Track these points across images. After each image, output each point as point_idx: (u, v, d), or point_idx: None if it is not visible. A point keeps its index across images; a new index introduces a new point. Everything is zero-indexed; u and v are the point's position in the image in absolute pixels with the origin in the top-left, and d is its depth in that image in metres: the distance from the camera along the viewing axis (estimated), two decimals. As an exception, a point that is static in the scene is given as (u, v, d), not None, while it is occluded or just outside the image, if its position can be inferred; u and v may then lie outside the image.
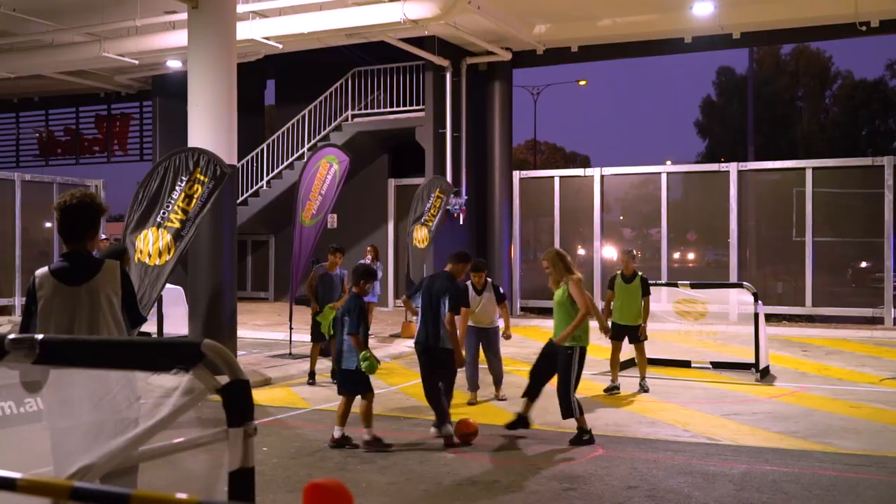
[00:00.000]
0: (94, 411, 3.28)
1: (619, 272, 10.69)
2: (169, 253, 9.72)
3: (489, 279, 10.14)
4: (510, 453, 7.44)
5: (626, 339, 10.65)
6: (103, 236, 15.45)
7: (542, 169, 34.41)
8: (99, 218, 4.40)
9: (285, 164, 20.48)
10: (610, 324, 10.38)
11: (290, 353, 12.77)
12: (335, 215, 20.94)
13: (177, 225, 9.74)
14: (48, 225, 20.37)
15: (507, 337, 10.11)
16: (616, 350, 10.55)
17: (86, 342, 2.86)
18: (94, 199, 4.36)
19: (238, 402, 2.61)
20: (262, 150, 21.04)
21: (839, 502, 5.94)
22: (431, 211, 14.85)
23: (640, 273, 10.64)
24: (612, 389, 10.33)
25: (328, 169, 12.14)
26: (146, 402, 3.48)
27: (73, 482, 1.61)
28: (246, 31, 15.30)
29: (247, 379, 2.64)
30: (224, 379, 2.55)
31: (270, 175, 20.74)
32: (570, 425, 8.54)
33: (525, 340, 15.87)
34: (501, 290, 10.23)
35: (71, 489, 1.59)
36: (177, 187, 9.85)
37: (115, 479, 4.06)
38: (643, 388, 10.42)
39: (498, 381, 10.14)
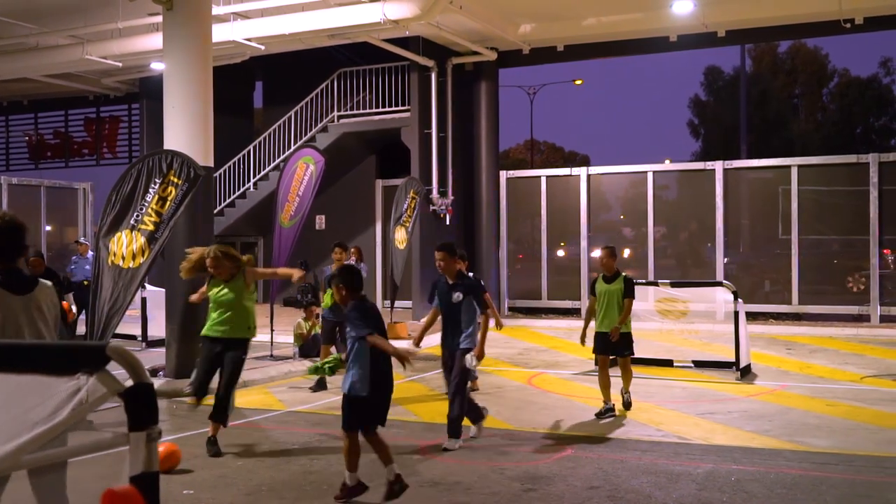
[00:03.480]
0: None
1: (600, 274, 9.31)
2: (143, 255, 9.69)
3: (472, 272, 9.75)
4: (477, 453, 7.41)
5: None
6: (82, 240, 15.43)
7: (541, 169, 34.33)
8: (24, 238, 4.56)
9: (272, 165, 20.46)
10: (593, 335, 9.22)
11: (271, 355, 12.75)
12: (323, 216, 20.93)
13: (150, 227, 9.72)
14: (48, 228, 20.37)
15: (500, 326, 10.01)
16: (604, 366, 9.07)
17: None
18: (17, 221, 4.52)
19: (141, 406, 2.59)
20: (248, 152, 21.02)
21: (800, 501, 5.91)
22: (408, 212, 14.85)
23: (623, 273, 9.23)
24: (606, 413, 8.84)
25: (305, 170, 12.12)
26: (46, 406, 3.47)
27: None
28: (227, 32, 15.28)
29: (150, 382, 2.61)
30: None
31: (257, 177, 20.72)
32: (544, 426, 8.54)
33: (511, 340, 15.86)
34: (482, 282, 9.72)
35: None
36: (150, 190, 9.82)
37: (43, 476, 4.04)
38: (625, 403, 9.14)
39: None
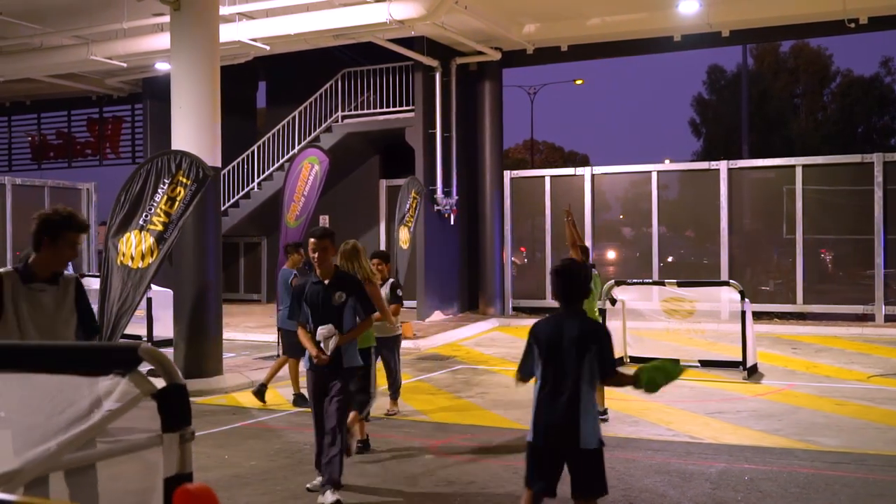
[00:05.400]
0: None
1: None
2: (152, 256, 9.70)
3: (391, 279, 9.05)
4: (490, 453, 7.42)
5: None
6: None
7: (541, 168, 34.32)
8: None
9: (276, 165, 20.47)
10: None
11: (279, 355, 12.73)
12: (327, 216, 20.93)
13: (159, 228, 9.73)
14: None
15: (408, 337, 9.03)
16: None
17: (23, 347, 2.84)
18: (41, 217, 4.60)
19: (174, 407, 2.59)
20: (252, 153, 21.02)
21: (814, 500, 5.92)
22: (410, 212, 14.91)
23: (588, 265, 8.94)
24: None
25: (310, 170, 12.14)
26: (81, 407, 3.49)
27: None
28: (232, 32, 15.28)
29: (183, 383, 2.62)
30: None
31: (261, 177, 20.72)
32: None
33: (516, 340, 15.87)
34: (399, 293, 9.02)
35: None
36: (159, 190, 9.83)
37: (74, 477, 4.05)
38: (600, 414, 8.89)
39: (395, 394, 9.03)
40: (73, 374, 2.65)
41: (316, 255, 6.08)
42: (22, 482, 2.21)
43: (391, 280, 8.99)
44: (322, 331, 6.01)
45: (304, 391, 9.78)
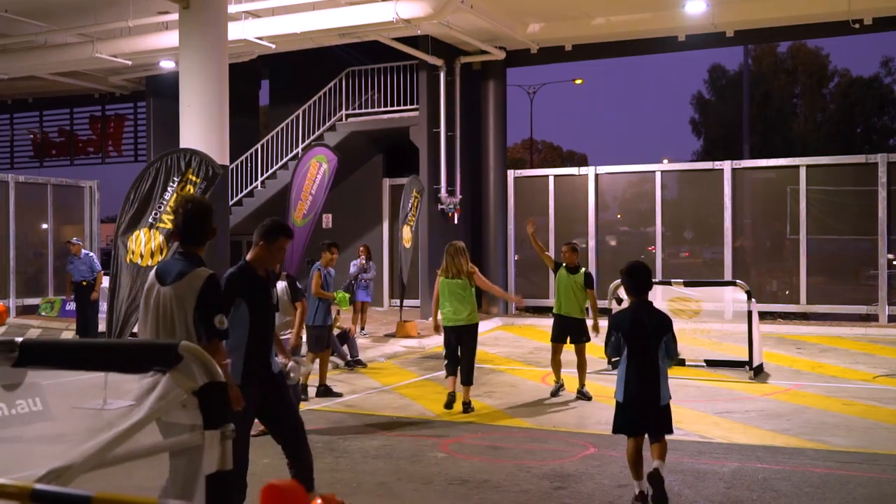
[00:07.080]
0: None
1: (564, 265, 10.10)
2: (161, 254, 9.69)
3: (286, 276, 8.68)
4: (501, 452, 7.44)
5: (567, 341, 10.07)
6: (74, 240, 15.39)
7: (540, 168, 34.34)
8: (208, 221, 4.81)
9: (280, 164, 20.46)
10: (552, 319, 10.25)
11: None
12: (330, 215, 20.94)
13: (169, 226, 9.70)
14: (44, 226, 20.35)
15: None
16: (557, 352, 10.06)
17: (66, 345, 2.86)
18: (204, 204, 4.83)
19: (215, 405, 2.61)
20: (256, 151, 21.01)
21: (829, 500, 5.95)
22: (412, 211, 14.95)
23: (584, 268, 10.15)
24: (558, 391, 10.03)
25: (318, 168, 12.15)
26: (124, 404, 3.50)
27: (32, 485, 1.60)
28: (238, 31, 15.28)
29: (223, 381, 2.63)
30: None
31: (265, 175, 20.71)
32: (563, 424, 8.59)
33: (520, 339, 15.91)
34: (298, 284, 8.66)
35: (31, 492, 1.58)
36: (169, 188, 9.83)
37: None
38: (585, 396, 9.78)
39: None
40: (115, 371, 2.67)
41: (281, 254, 5.57)
42: (72, 478, 2.22)
43: (285, 276, 8.52)
44: (297, 372, 5.54)
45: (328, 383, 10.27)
